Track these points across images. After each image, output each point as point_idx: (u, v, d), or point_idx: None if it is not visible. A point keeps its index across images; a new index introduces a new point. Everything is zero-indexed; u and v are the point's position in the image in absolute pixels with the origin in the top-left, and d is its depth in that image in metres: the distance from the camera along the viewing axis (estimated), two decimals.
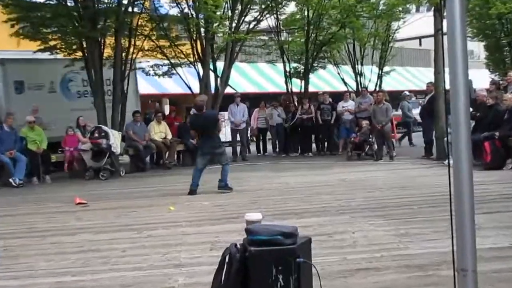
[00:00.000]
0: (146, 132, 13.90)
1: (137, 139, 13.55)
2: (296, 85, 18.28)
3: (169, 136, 14.15)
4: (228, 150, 16.91)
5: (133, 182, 11.29)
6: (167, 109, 20.48)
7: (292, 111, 16.06)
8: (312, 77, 19.74)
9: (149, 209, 7.57)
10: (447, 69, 2.18)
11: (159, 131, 14.05)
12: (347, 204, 7.11)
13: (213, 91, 15.01)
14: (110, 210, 7.59)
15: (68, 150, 12.84)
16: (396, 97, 20.33)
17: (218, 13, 14.03)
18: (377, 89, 17.75)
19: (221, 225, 6.07)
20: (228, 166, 8.83)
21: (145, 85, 21.86)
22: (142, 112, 14.99)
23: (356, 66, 18.45)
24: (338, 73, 19.14)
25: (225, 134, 23.56)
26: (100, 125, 12.55)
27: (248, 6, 15.26)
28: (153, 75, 16.74)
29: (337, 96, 16.94)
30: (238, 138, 15.76)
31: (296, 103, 17.32)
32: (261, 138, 17.01)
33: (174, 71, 15.94)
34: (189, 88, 15.16)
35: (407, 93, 19.81)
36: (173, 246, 5.19)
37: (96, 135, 12.28)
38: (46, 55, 13.67)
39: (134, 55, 14.45)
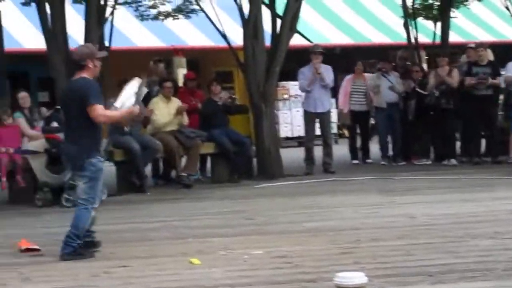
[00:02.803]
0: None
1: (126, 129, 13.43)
2: (426, 31, 18.08)
3: (185, 122, 14.17)
4: (292, 153, 16.86)
5: (120, 212, 11.37)
6: (180, 77, 20.59)
7: (417, 80, 15.93)
8: (456, 16, 19.47)
9: (151, 262, 7.63)
10: None
11: (169, 115, 14.07)
12: None
13: (268, 42, 15.07)
14: (79, 264, 7.62)
15: (4, 153, 13.01)
16: None
17: None
18: None
19: None
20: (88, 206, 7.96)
21: (141, 32, 22.14)
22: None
23: None
24: (508, 8, 18.87)
25: (291, 123, 23.61)
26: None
27: None
28: (154, 16, 16.94)
29: (506, 51, 16.66)
30: (318, 131, 15.75)
31: (425, 65, 17.10)
32: (357, 130, 16.99)
33: (195, 6, 16.08)
34: (224, 37, 15.29)
35: None
36: None
37: (56, 124, 12.44)
38: None
39: None
